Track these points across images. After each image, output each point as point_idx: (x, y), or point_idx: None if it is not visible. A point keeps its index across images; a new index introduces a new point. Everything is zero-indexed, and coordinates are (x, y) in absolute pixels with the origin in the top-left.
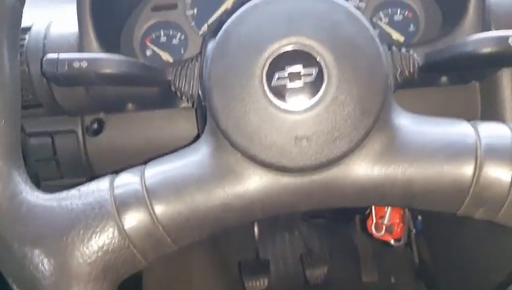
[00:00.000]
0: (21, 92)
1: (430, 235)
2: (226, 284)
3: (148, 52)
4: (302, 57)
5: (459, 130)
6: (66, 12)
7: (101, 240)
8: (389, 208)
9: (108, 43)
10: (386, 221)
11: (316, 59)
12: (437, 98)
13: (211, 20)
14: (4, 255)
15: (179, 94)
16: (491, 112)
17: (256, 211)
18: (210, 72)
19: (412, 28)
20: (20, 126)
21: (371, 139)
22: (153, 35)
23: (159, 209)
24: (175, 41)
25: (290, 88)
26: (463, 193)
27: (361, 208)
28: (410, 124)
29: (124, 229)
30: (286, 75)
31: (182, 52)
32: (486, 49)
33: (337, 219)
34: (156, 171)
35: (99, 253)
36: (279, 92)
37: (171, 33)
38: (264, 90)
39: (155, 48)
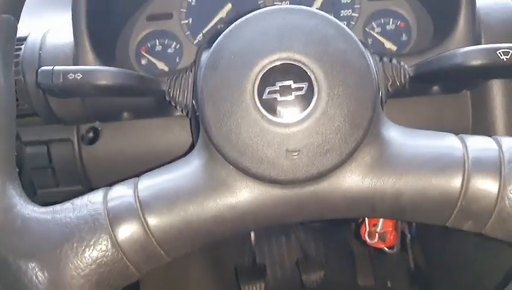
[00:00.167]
0: (17, 102)
1: (424, 241)
2: (222, 288)
3: (144, 61)
4: (293, 71)
5: (447, 143)
6: (61, 21)
7: (94, 253)
8: None
9: (104, 52)
10: (379, 229)
11: (306, 73)
12: (429, 107)
13: (206, 30)
14: None
15: (173, 104)
16: (482, 120)
17: (248, 223)
18: (202, 86)
19: (404, 37)
20: (14, 140)
21: (360, 152)
22: (148, 44)
23: (152, 221)
24: (170, 50)
25: (280, 102)
26: (451, 206)
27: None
28: (399, 137)
29: (117, 242)
30: (277, 89)
31: (177, 61)
32: (476, 62)
33: (333, 223)
34: (149, 184)
35: (93, 266)
36: (270, 106)
37: (166, 42)
38: (255, 104)
39: (150, 57)
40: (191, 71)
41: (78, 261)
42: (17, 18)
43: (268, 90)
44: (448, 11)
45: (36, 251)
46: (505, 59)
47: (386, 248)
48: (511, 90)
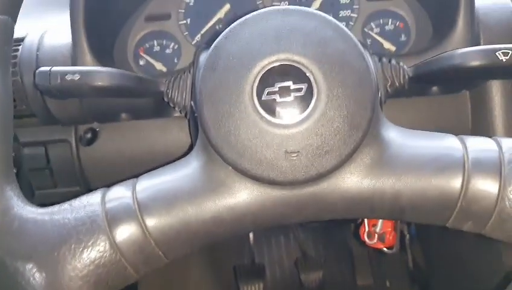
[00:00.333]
0: (14, 102)
1: (423, 241)
2: (221, 288)
3: (142, 62)
4: (292, 72)
5: (447, 144)
6: (59, 22)
7: (92, 254)
8: None
9: (102, 53)
10: (378, 229)
11: (305, 74)
12: (428, 107)
13: (204, 30)
14: None
15: (171, 105)
16: (481, 120)
17: (247, 224)
18: (201, 88)
19: (403, 37)
20: (12, 142)
21: (360, 153)
22: (147, 45)
23: (151, 223)
24: (168, 51)
25: (279, 103)
26: (451, 206)
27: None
28: (398, 138)
29: (115, 243)
30: (276, 90)
31: (176, 61)
32: (475, 62)
33: (332, 224)
34: (148, 185)
35: (91, 267)
36: (269, 107)
37: (164, 43)
38: (254, 106)
39: (148, 58)
40: (190, 72)
41: (76, 263)
42: (14, 19)
43: (267, 91)
44: (447, 12)
45: (34, 253)
46: (504, 60)
47: (385, 248)
48: (510, 91)
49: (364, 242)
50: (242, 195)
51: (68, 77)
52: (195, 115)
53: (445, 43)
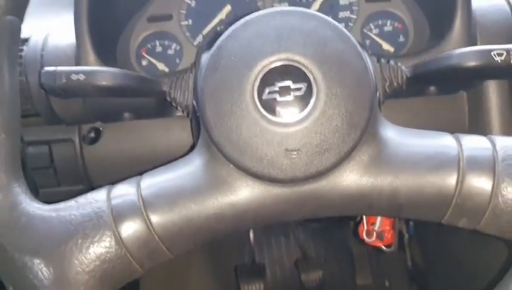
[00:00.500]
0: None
1: (422, 240)
2: (222, 288)
3: (144, 62)
4: (292, 72)
5: (443, 142)
6: (63, 22)
7: (98, 250)
8: None
9: (105, 53)
10: (376, 227)
11: (305, 74)
12: (425, 107)
13: (205, 31)
14: (4, 264)
15: (174, 104)
16: (478, 120)
17: (249, 221)
18: (203, 87)
19: (401, 38)
20: (19, 139)
21: (358, 151)
22: (149, 45)
23: (155, 219)
24: (170, 51)
25: (280, 102)
26: (446, 203)
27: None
28: (396, 137)
29: (121, 239)
30: (276, 89)
31: (177, 62)
32: (471, 63)
33: (331, 223)
34: (152, 182)
35: (97, 262)
36: (270, 106)
37: (166, 43)
38: (255, 105)
39: (151, 58)
40: (191, 72)
41: (83, 258)
42: (21, 19)
43: (267, 90)
44: (445, 13)
45: (41, 248)
46: (499, 60)
47: (383, 247)
48: (506, 91)
49: (363, 240)
50: (243, 192)
51: (73, 77)
52: (197, 114)
53: (442, 44)
